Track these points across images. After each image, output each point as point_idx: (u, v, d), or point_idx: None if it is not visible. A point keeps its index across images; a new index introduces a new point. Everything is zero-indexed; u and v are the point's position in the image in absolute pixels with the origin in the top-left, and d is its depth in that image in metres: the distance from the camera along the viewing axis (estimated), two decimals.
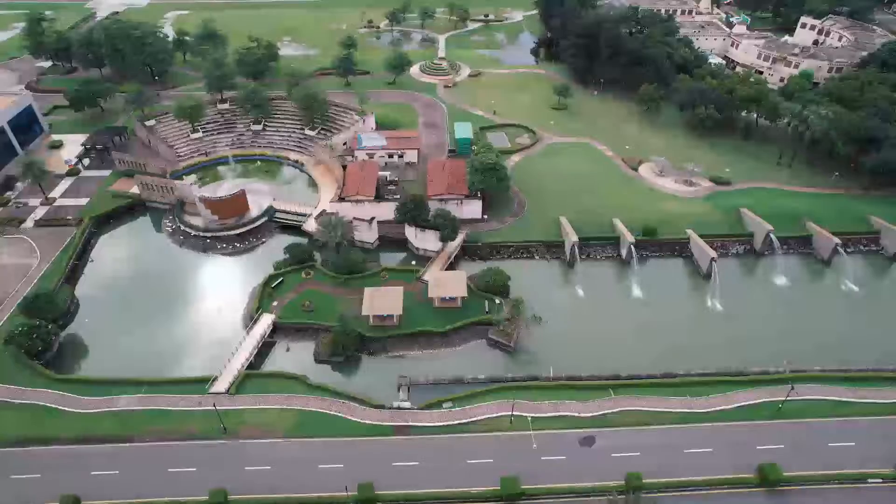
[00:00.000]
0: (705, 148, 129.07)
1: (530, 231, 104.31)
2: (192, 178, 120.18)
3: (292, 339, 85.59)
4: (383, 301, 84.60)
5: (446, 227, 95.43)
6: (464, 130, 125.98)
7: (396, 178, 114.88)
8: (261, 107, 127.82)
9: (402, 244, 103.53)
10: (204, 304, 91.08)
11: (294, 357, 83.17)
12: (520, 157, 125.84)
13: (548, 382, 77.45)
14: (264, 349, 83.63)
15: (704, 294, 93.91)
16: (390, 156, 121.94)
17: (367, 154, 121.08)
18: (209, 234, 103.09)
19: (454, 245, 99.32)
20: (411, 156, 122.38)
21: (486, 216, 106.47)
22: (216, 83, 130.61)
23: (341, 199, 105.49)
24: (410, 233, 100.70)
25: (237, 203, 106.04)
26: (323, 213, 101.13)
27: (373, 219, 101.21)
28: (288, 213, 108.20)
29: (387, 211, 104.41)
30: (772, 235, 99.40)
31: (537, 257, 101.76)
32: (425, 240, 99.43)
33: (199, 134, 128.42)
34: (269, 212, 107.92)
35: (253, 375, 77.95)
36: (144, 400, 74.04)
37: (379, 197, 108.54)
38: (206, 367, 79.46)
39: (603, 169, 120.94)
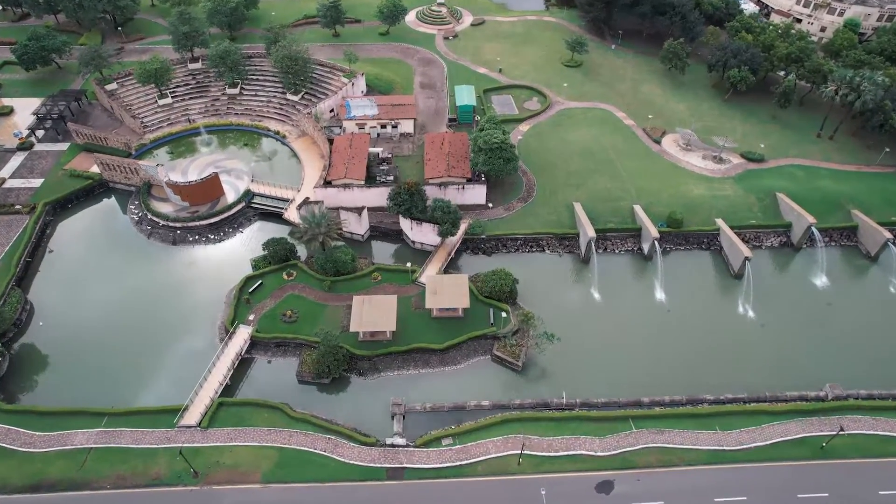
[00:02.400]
0: (736, 116, 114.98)
1: (540, 219, 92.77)
2: (162, 151, 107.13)
3: (273, 355, 76.25)
4: (374, 314, 74.51)
5: (446, 220, 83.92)
6: (465, 96, 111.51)
7: (390, 155, 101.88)
8: (236, 69, 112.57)
9: (396, 235, 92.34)
10: (173, 311, 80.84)
11: (275, 377, 74.08)
12: (528, 125, 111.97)
13: (559, 413, 68.62)
14: (242, 366, 74.50)
15: (735, 298, 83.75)
16: (383, 126, 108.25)
17: (356, 124, 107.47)
18: (179, 225, 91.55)
19: (455, 238, 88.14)
20: (407, 126, 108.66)
21: (490, 204, 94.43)
22: (184, 41, 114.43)
23: (327, 184, 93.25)
24: (406, 224, 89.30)
25: (210, 187, 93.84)
26: (306, 201, 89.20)
27: (363, 209, 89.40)
28: (267, 197, 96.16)
29: (379, 197, 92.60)
30: (813, 229, 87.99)
31: (548, 251, 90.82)
32: (422, 233, 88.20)
33: (169, 100, 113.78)
34: (247, 196, 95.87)
35: (228, 404, 68.94)
36: (104, 436, 65.30)
37: (370, 177, 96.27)
38: (177, 388, 70.66)
39: (622, 141, 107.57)
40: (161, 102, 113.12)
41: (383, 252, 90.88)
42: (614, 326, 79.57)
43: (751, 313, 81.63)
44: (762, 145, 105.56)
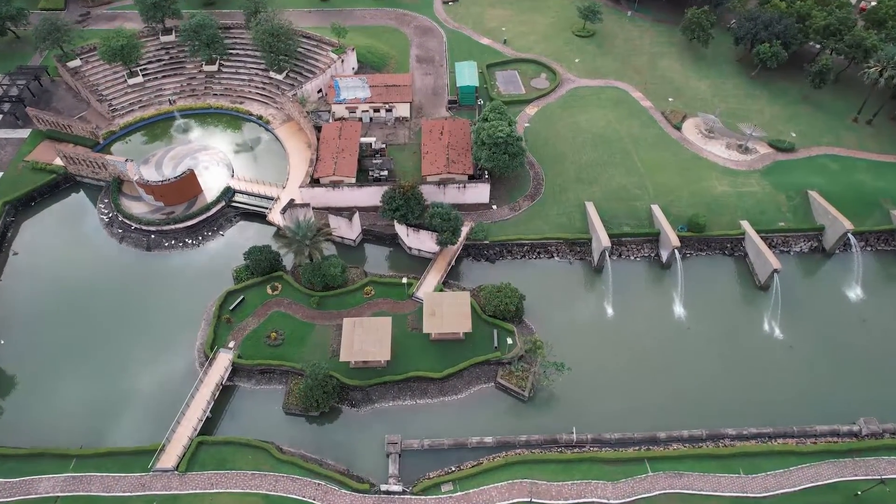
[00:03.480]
0: (763, 96, 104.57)
1: (549, 220, 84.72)
2: (136, 137, 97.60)
3: (256, 383, 69.98)
4: (367, 341, 67.65)
5: (446, 229, 75.95)
6: (467, 75, 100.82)
7: (383, 145, 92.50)
8: (213, 44, 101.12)
9: (391, 239, 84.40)
10: (148, 330, 73.95)
11: (260, 407, 68.11)
12: (536, 107, 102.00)
13: (570, 454, 62.94)
14: (224, 393, 68.34)
15: (761, 314, 76.75)
16: (376, 110, 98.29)
17: (346, 108, 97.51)
18: (153, 228, 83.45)
19: (455, 246, 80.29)
20: (402, 109, 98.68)
21: (494, 206, 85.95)
22: (152, 12, 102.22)
23: (314, 182, 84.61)
24: (401, 229, 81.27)
25: (186, 185, 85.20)
26: (291, 203, 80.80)
27: (353, 213, 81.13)
28: (249, 195, 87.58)
29: (371, 196, 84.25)
30: (850, 236, 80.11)
31: (557, 258, 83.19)
32: (420, 239, 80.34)
33: (139, 78, 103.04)
34: (227, 194, 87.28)
35: (208, 443, 63.18)
36: (72, 482, 59.79)
37: (361, 170, 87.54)
38: (152, 421, 65.18)
39: (638, 127, 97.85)
40: (131, 82, 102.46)
41: (377, 259, 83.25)
42: (629, 347, 73.04)
43: (777, 332, 74.91)
44: (793, 134, 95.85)
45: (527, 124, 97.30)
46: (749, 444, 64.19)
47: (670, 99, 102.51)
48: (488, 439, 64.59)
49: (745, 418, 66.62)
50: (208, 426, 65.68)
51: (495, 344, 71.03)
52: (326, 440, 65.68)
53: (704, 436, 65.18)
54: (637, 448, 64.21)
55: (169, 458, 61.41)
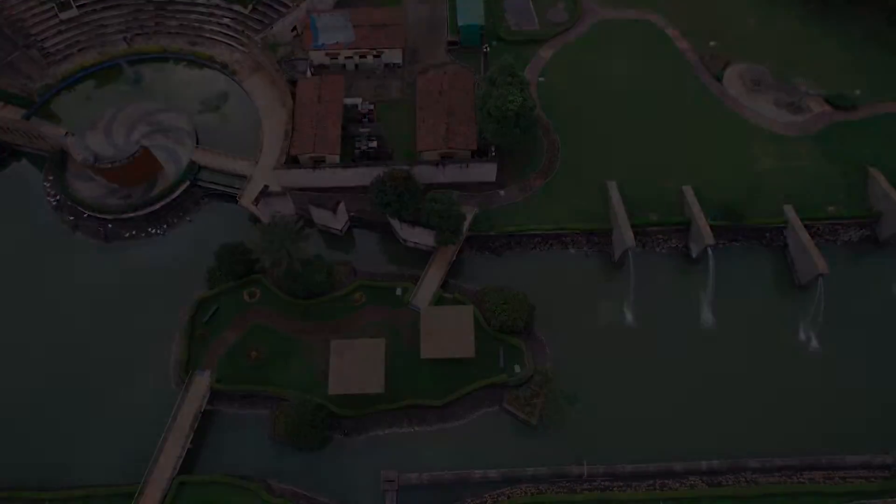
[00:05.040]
0: (825, 39, 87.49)
1: (564, 204, 73.62)
2: (83, 85, 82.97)
3: (239, 407, 63.81)
4: (357, 370, 60.31)
5: (445, 227, 65.54)
6: (471, 9, 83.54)
7: (371, 107, 78.30)
8: None
9: (383, 227, 73.95)
10: (115, 342, 66.24)
11: (245, 435, 62.51)
12: (552, 49, 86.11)
13: (579, 493, 58.42)
14: (205, 419, 62.45)
15: (797, 319, 68.65)
16: (362, 56, 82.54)
17: (326, 55, 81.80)
18: (110, 217, 72.56)
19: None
20: (394, 55, 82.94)
21: (502, 192, 74.13)
22: None
23: (290, 160, 72.25)
24: (395, 222, 70.62)
25: (142, 165, 72.84)
26: (265, 191, 69.30)
27: (339, 203, 69.80)
28: (217, 173, 75.40)
29: (359, 177, 72.44)
30: None
31: (573, 249, 73.47)
32: (416, 233, 70.10)
33: (73, 11, 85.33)
34: (192, 171, 75.14)
35: (190, 483, 58.35)
36: None
37: (346, 137, 74.95)
38: (129, 454, 59.81)
39: (672, 78, 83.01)
40: (63, 16, 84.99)
41: (367, 252, 73.44)
42: (648, 362, 65.72)
43: (814, 342, 67.56)
44: (857, 91, 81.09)
45: (540, 78, 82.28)
46: (773, 478, 59.66)
47: (712, 43, 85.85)
48: (493, 473, 59.84)
49: (771, 443, 61.45)
50: (189, 457, 60.45)
51: (501, 363, 63.94)
52: (318, 472, 60.79)
53: (725, 468, 60.48)
54: (651, 484, 59.72)
55: (149, 502, 56.81)
